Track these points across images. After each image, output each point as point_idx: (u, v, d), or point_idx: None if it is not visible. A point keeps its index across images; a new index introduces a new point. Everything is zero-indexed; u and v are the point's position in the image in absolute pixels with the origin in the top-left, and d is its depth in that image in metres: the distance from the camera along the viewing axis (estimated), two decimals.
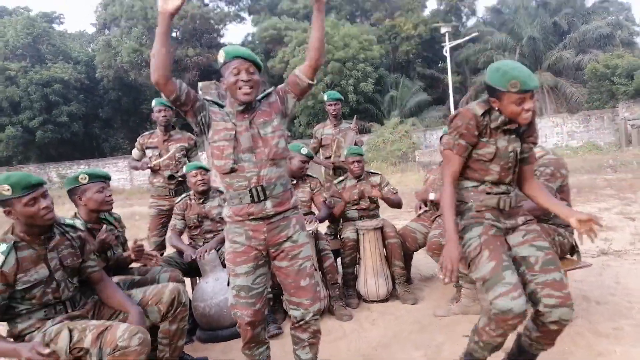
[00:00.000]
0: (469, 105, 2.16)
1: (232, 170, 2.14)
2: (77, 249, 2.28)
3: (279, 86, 2.31)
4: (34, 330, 2.07)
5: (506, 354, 2.38)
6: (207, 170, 3.59)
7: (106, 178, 2.78)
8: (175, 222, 3.69)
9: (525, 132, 2.17)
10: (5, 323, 2.14)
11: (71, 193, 2.70)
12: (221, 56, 2.17)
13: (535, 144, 2.23)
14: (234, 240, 2.22)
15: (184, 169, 3.83)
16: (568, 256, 3.09)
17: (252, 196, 2.14)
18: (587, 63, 21.42)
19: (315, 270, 2.33)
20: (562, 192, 2.91)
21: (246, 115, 2.18)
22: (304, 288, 2.24)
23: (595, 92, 20.89)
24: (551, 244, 2.88)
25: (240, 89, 2.11)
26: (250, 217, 2.17)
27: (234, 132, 2.14)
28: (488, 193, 2.16)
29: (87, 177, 2.65)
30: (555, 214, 2.21)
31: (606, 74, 19.67)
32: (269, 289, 3.02)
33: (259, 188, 2.14)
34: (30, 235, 2.10)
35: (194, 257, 3.36)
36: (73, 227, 2.32)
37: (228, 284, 2.26)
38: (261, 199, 2.15)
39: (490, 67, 2.09)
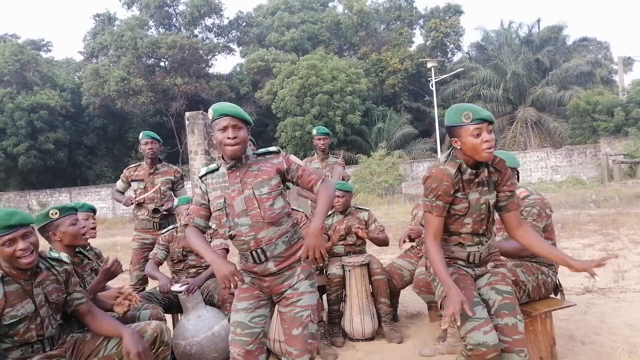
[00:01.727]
0: (440, 166, 2.18)
1: (232, 237, 2.21)
2: (63, 283, 2.23)
3: (292, 158, 2.35)
4: None
5: None
6: None
7: (75, 210, 2.68)
8: (156, 251, 3.59)
9: (498, 182, 2.23)
10: None
11: (43, 230, 2.55)
12: (210, 113, 2.21)
13: (512, 191, 2.25)
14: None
15: (175, 202, 3.79)
16: (552, 295, 3.09)
17: (253, 258, 2.19)
18: (569, 99, 22.09)
19: (312, 322, 2.25)
20: (547, 232, 2.94)
21: (238, 174, 2.21)
22: (295, 337, 2.18)
23: (577, 127, 21.44)
24: (535, 282, 2.90)
25: (226, 145, 2.15)
26: (254, 273, 2.25)
27: (222, 200, 2.20)
28: (460, 244, 2.23)
29: (57, 212, 2.55)
30: (554, 261, 2.25)
31: (587, 110, 20.23)
32: None
33: (259, 250, 2.18)
34: (15, 271, 2.05)
35: (168, 288, 3.25)
36: (59, 260, 2.27)
37: (229, 321, 2.26)
38: (262, 260, 2.19)
39: (447, 112, 2.18)
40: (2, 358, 2.03)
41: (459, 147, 2.12)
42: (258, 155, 2.29)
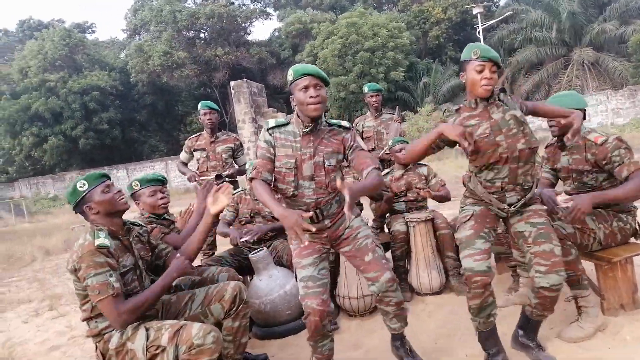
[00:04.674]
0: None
1: (293, 196, 2.33)
2: (146, 243, 2.43)
3: (358, 138, 2.48)
4: (113, 330, 2.11)
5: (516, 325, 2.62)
6: None
7: (159, 181, 3.01)
8: (225, 212, 3.73)
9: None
10: (85, 323, 2.20)
11: (133, 198, 3.00)
12: (290, 75, 2.27)
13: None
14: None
15: (247, 167, 3.87)
16: (632, 240, 2.96)
17: (311, 218, 2.29)
18: (631, 35, 20.45)
19: (377, 246, 2.42)
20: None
21: (311, 138, 2.29)
22: (369, 262, 2.35)
23: None
24: (607, 229, 2.77)
25: (309, 105, 2.21)
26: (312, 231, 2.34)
27: (294, 161, 2.28)
28: (501, 189, 2.37)
29: (138, 183, 2.95)
30: (558, 113, 2.47)
31: None
32: None
33: (317, 211, 2.33)
34: (113, 227, 2.22)
35: (238, 240, 3.43)
36: (138, 224, 2.48)
37: (296, 279, 2.37)
38: (320, 219, 2.34)
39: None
40: (106, 318, 2.12)
41: (464, 81, 2.35)
42: (329, 124, 2.37)
